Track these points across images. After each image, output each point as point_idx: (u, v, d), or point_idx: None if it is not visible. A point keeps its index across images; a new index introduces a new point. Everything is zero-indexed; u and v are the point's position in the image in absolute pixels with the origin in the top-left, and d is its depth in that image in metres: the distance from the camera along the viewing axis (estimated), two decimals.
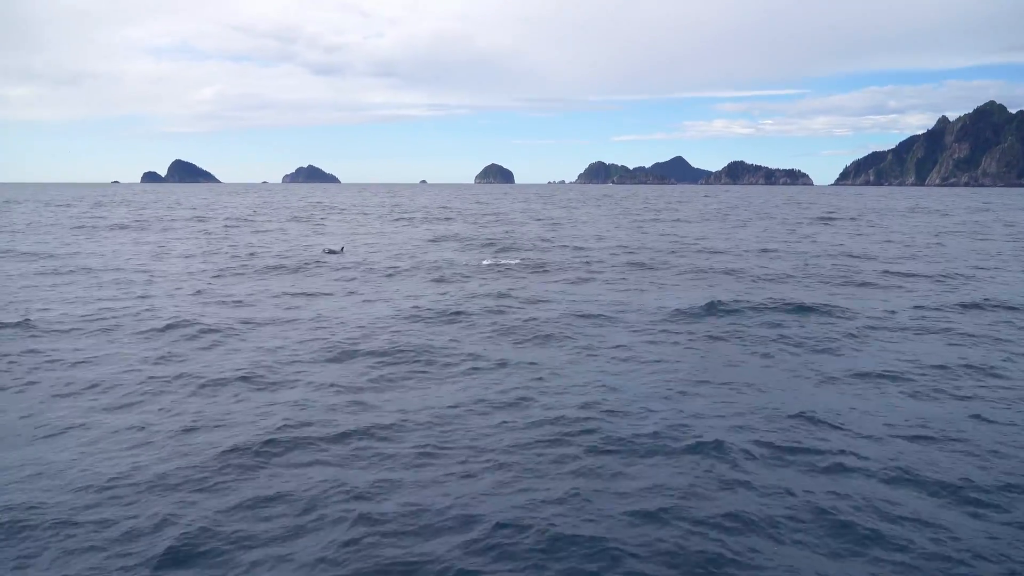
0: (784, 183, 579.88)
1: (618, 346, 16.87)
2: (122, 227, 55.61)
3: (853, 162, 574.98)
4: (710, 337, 18.04)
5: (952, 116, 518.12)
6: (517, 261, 32.48)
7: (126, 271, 29.82)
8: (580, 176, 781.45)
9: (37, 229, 52.95)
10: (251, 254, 35.80)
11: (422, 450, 10.53)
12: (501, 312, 20.77)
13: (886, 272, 29.81)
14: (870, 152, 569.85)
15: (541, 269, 30.33)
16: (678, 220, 69.14)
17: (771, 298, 22.63)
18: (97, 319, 19.59)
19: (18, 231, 50.93)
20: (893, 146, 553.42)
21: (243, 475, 9.77)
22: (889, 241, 45.32)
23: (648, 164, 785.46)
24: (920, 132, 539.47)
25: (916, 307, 21.98)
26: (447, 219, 68.40)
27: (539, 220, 65.88)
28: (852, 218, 71.78)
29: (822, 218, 71.74)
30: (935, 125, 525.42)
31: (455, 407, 12.37)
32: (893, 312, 21.18)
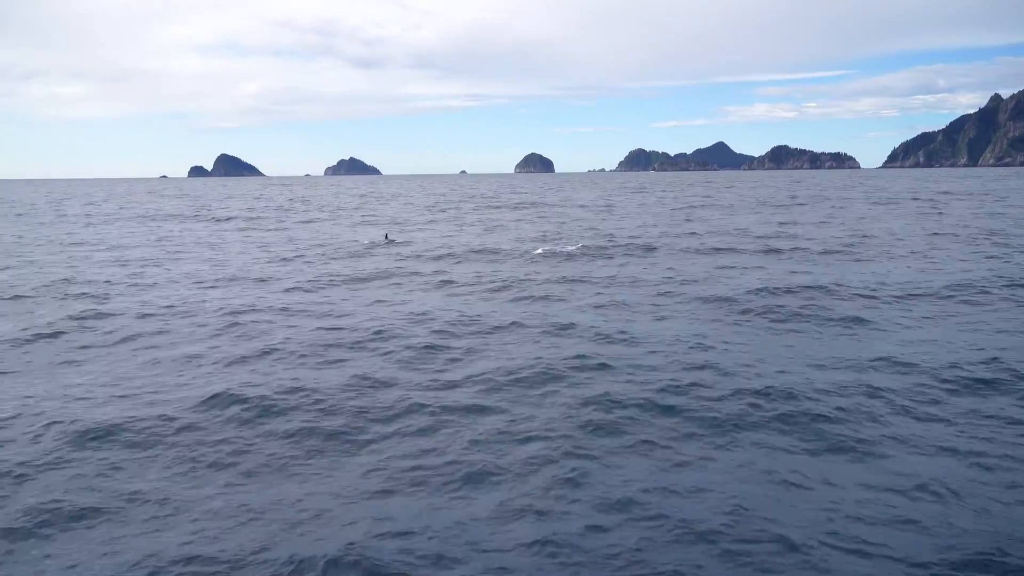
0: (830, 167, 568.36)
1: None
2: (251, 220, 56.72)
3: (901, 144, 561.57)
4: None
5: (1005, 94, 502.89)
6: (576, 247, 32.53)
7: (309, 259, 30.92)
8: (620, 164, 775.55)
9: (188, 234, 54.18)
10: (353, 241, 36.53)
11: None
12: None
13: None
14: (919, 133, 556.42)
15: (605, 255, 30.40)
16: (779, 206, 68.22)
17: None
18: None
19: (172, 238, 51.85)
20: (943, 126, 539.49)
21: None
22: None
23: (689, 150, 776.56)
24: (971, 111, 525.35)
25: None
26: (497, 207, 68.73)
27: (604, 208, 64.46)
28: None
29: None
30: (987, 103, 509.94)
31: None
32: None
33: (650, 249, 31.90)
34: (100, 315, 19.05)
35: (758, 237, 36.38)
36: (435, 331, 16.86)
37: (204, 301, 21.22)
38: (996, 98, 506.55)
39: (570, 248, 32.34)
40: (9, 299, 21.98)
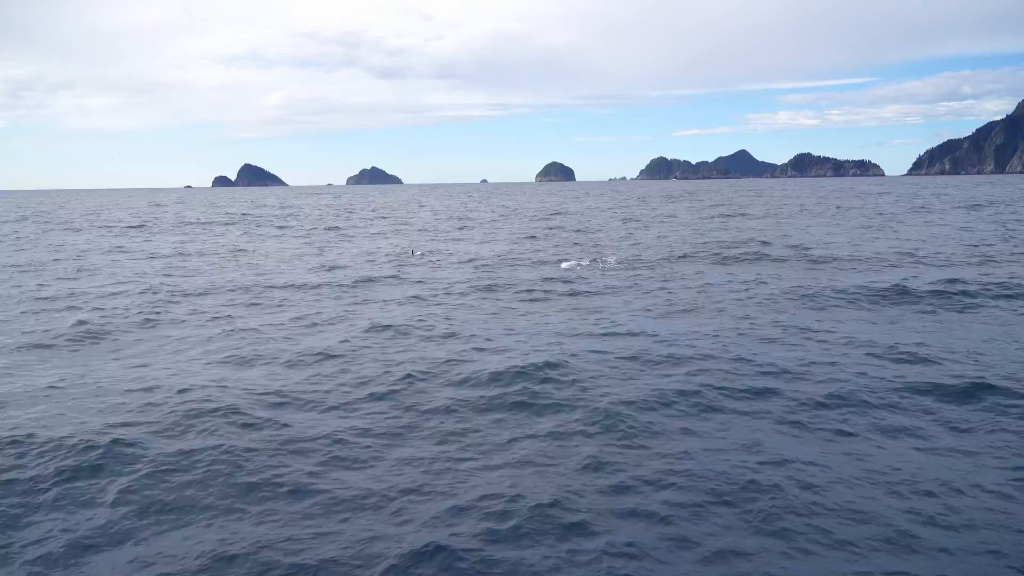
0: (854, 175, 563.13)
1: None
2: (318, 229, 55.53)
3: (927, 151, 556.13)
4: None
5: None
6: (614, 259, 30.15)
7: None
8: (641, 172, 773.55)
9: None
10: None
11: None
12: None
13: None
14: (944, 140, 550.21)
15: (643, 266, 28.03)
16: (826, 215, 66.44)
17: None
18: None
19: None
20: (969, 133, 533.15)
21: None
22: None
23: (711, 158, 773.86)
24: (999, 118, 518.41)
25: None
26: (525, 217, 67.31)
27: (629, 220, 59.38)
28: None
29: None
30: (1014, 110, 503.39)
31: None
32: None
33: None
34: None
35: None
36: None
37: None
38: None
39: (611, 259, 30.14)
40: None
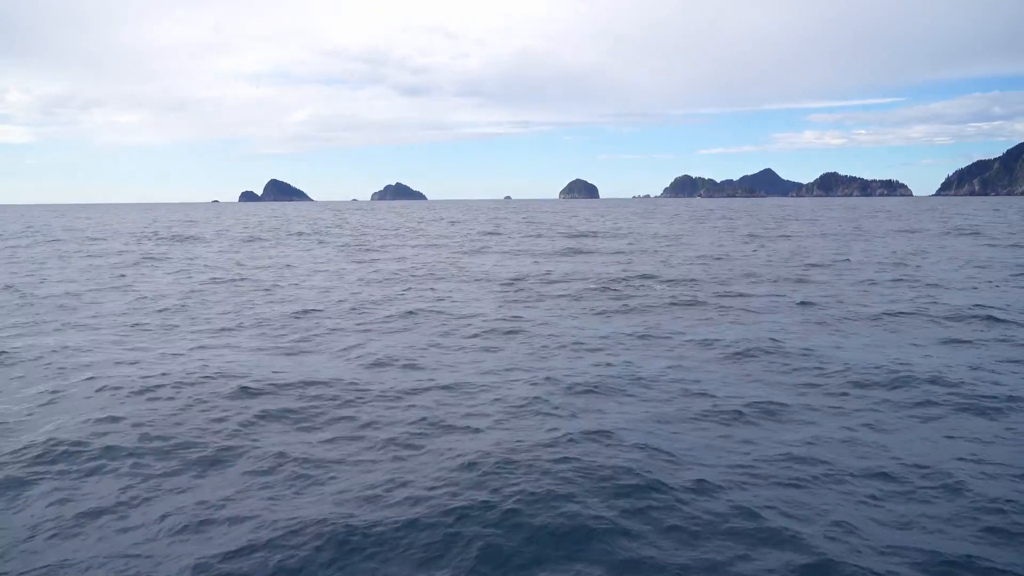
0: (881, 194, 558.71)
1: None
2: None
3: (956, 171, 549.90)
4: None
5: None
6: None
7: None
8: (666, 190, 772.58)
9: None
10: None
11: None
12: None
13: None
14: (974, 161, 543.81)
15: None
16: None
17: None
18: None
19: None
20: (999, 154, 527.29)
21: None
22: None
23: (735, 177, 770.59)
24: None
25: None
26: (574, 235, 59.67)
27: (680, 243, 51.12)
28: None
29: None
30: None
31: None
32: None
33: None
34: None
35: None
36: None
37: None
38: None
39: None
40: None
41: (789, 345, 15.51)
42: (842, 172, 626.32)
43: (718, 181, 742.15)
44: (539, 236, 58.45)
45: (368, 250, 45.72)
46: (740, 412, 11.09)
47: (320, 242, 54.25)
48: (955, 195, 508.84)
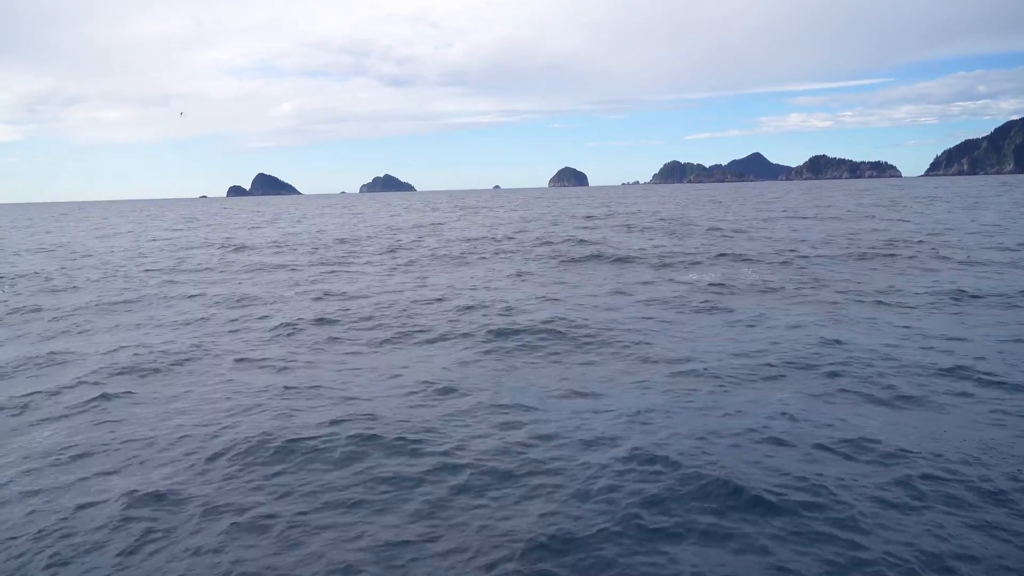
0: (870, 176, 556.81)
1: None
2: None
3: (944, 151, 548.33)
4: None
5: None
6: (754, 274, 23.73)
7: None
8: (655, 176, 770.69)
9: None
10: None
11: None
12: None
13: None
14: (962, 141, 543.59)
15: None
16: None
17: None
18: None
19: None
20: (986, 133, 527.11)
21: None
22: None
23: (724, 161, 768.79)
24: (1015, 117, 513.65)
25: None
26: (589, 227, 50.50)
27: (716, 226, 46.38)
28: None
29: None
30: None
31: None
32: None
33: None
34: None
35: None
36: None
37: None
38: None
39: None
40: None
41: None
42: (830, 155, 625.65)
43: (707, 166, 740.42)
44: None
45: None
46: None
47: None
48: (944, 175, 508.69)
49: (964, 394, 10.75)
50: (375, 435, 9.45)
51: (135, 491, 8.06)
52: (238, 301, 21.76)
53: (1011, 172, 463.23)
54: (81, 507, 7.90)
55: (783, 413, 9.92)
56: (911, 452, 8.52)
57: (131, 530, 7.28)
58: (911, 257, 26.93)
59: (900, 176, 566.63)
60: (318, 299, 21.59)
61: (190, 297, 22.95)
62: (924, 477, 7.90)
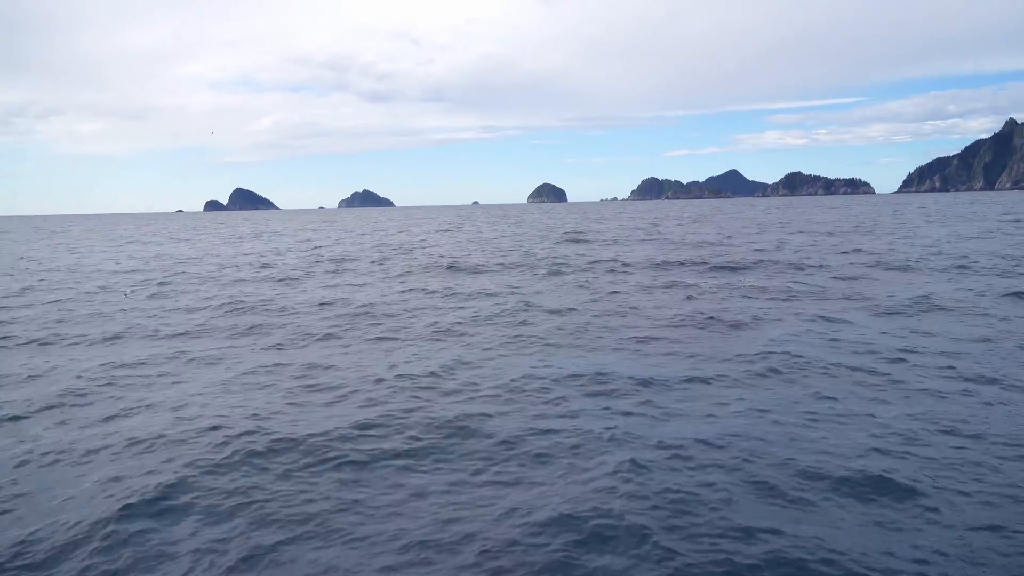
0: (844, 192, 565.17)
1: None
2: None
3: (916, 169, 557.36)
4: None
5: (1020, 118, 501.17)
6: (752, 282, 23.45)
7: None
8: (633, 192, 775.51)
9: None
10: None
11: None
12: None
13: None
14: (934, 158, 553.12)
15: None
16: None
17: None
18: None
19: None
20: (956, 151, 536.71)
21: None
22: None
23: (701, 178, 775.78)
24: (984, 136, 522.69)
25: None
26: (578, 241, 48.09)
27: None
28: None
29: None
30: (1002, 128, 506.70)
31: None
32: None
33: None
34: None
35: None
36: None
37: None
38: (1011, 123, 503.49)
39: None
40: None
41: None
42: (806, 172, 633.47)
43: (684, 183, 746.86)
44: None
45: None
46: None
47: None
48: (916, 192, 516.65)
49: None
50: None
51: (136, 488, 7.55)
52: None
53: (981, 189, 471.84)
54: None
55: None
56: None
57: (120, 534, 6.78)
58: None
59: (874, 193, 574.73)
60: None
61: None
62: None
